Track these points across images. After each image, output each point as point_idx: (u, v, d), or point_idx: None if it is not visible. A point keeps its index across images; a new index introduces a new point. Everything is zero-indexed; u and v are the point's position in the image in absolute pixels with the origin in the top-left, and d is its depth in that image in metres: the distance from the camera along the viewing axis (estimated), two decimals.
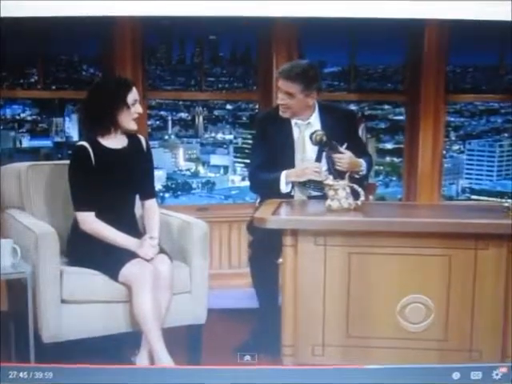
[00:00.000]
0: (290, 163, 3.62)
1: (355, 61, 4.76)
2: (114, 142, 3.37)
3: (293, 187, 3.61)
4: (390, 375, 2.98)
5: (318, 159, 3.59)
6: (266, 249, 3.42)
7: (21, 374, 2.89)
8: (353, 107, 4.74)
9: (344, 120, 3.69)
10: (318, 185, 3.54)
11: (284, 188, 3.58)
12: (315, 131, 3.55)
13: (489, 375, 2.97)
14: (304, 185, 3.59)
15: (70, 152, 3.52)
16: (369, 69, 4.81)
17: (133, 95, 3.31)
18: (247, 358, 3.23)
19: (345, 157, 3.53)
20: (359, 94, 4.78)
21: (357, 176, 3.58)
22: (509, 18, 3.16)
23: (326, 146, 3.53)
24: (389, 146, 4.95)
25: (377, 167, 4.85)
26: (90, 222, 3.29)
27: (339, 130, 3.62)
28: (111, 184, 3.32)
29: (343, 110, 3.91)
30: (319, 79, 3.68)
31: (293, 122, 3.67)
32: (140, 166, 3.42)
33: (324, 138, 3.50)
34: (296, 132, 3.67)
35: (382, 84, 4.81)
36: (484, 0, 3.16)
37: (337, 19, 3.23)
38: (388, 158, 4.94)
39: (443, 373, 2.97)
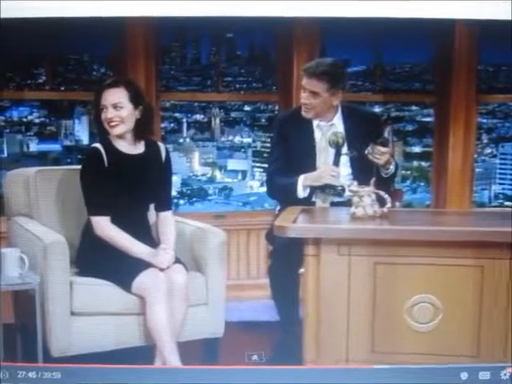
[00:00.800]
0: (310, 167, 3.63)
1: (381, 59, 4.76)
2: (130, 146, 3.39)
3: (313, 193, 3.62)
4: (397, 375, 3.00)
5: (336, 163, 3.60)
6: (286, 259, 3.42)
7: (29, 374, 2.96)
8: (378, 108, 4.73)
9: (368, 123, 3.70)
10: (337, 190, 3.55)
11: (301, 193, 3.59)
12: (333, 132, 3.57)
13: (497, 375, 3.00)
14: (323, 190, 3.60)
15: (82, 154, 3.51)
16: (395, 67, 4.80)
17: (101, 101, 3.34)
18: (255, 357, 3.24)
19: (387, 151, 3.51)
20: (385, 95, 4.77)
21: (384, 175, 3.58)
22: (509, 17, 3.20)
23: (341, 148, 3.55)
24: (416, 149, 4.93)
25: (404, 172, 4.84)
26: (104, 226, 3.31)
27: (363, 132, 3.62)
28: (124, 190, 3.34)
29: (367, 113, 3.92)
30: (345, 78, 3.69)
31: (315, 123, 3.67)
32: (156, 175, 3.44)
33: (341, 141, 3.52)
34: (318, 134, 3.67)
35: (409, 84, 4.80)
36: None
37: (360, 19, 3.26)
38: (416, 162, 4.92)
39: (451, 373, 3.00)
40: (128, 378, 2.99)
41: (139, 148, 3.42)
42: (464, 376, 2.99)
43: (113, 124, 3.32)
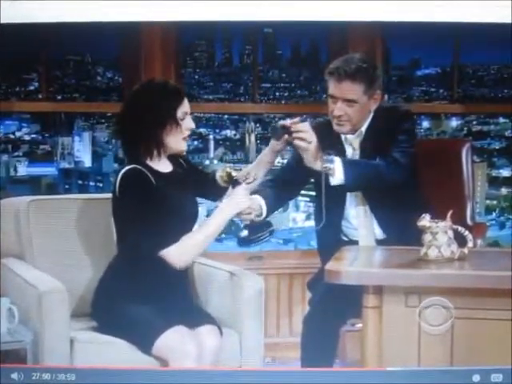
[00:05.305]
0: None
1: (459, 59, 4.78)
2: (160, 164, 3.41)
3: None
4: (409, 377, 3.07)
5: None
6: (328, 309, 3.45)
7: (44, 376, 3.07)
8: (456, 121, 4.76)
9: (395, 120, 3.62)
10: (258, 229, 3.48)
11: None
12: (221, 170, 3.49)
13: (509, 377, 3.06)
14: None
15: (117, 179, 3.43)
16: (478, 70, 4.83)
17: (184, 107, 3.36)
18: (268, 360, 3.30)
19: (304, 126, 3.44)
20: (464, 104, 4.77)
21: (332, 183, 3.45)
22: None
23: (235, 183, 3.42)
24: (505, 172, 4.94)
25: (488, 202, 4.85)
26: (176, 253, 3.29)
27: (386, 131, 3.57)
28: (175, 215, 3.34)
29: (398, 109, 3.84)
30: (381, 73, 3.65)
31: (342, 137, 3.65)
32: (195, 185, 3.50)
33: (233, 174, 3.42)
34: (349, 151, 3.65)
35: (495, 90, 4.82)
36: None
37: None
38: (504, 190, 4.93)
39: (463, 375, 3.07)
40: (142, 380, 3.08)
41: (167, 165, 3.44)
42: (476, 378, 3.06)
43: (187, 137, 3.42)
